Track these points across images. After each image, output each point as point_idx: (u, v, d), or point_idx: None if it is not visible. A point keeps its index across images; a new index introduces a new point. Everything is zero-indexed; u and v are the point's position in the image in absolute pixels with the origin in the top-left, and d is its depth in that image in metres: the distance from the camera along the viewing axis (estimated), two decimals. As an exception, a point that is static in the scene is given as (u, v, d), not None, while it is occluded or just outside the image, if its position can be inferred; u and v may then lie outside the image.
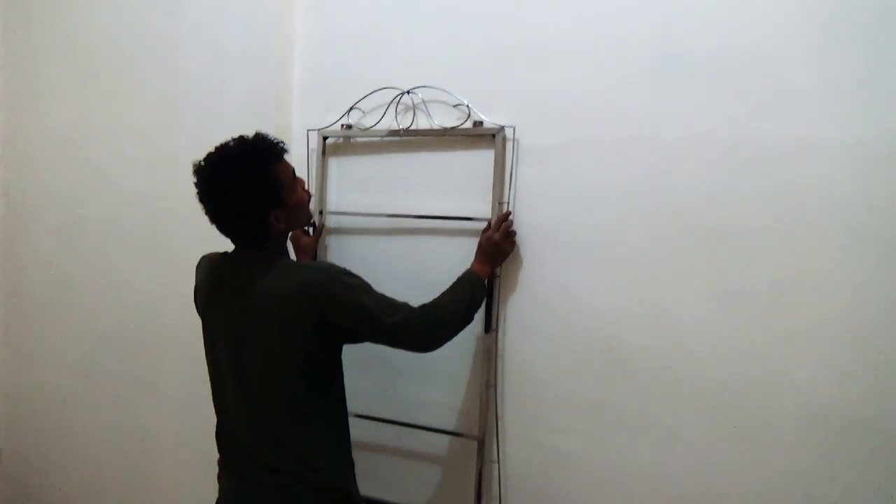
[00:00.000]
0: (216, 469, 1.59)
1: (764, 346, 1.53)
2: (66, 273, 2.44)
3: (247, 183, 1.42)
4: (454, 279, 1.68)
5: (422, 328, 1.52)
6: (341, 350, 1.56)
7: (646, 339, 1.65)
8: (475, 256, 1.73)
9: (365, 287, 1.49)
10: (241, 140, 1.49)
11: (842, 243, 1.46)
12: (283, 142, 1.53)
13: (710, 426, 1.59)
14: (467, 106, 1.82)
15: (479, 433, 1.82)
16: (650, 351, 1.65)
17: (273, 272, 1.46)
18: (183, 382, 2.17)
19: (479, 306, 1.68)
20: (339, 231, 2.04)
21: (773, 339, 1.52)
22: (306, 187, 1.64)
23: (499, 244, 1.72)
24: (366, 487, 1.90)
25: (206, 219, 1.98)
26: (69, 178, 2.41)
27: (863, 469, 1.46)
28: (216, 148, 1.49)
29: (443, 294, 1.61)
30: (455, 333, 1.60)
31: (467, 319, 1.63)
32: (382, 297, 1.50)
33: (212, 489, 1.58)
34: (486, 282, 1.71)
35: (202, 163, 1.48)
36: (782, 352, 1.52)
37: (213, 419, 1.60)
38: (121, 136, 2.29)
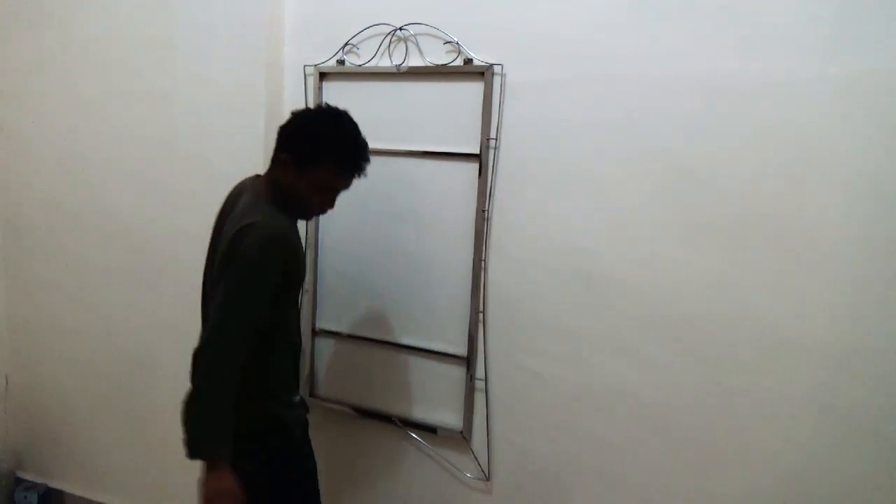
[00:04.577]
0: None
1: (734, 280, 1.65)
2: (63, 207, 2.51)
3: (327, 145, 1.55)
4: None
5: (205, 351, 1.45)
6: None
7: (622, 270, 1.77)
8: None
9: (245, 272, 1.46)
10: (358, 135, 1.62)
11: (817, 181, 1.55)
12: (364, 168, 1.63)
13: (679, 351, 1.73)
14: (458, 44, 1.87)
15: (468, 355, 1.96)
16: (626, 282, 1.77)
17: (242, 208, 1.55)
18: (180, 310, 2.28)
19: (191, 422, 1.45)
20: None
21: (743, 273, 1.64)
22: (334, 202, 1.68)
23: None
24: (374, 401, 2.09)
25: (199, 152, 2.03)
26: (64, 112, 2.44)
27: (824, 390, 1.60)
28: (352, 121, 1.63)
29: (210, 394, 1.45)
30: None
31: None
32: (239, 297, 1.45)
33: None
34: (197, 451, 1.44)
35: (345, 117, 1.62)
36: (752, 286, 1.64)
37: None
38: (114, 70, 2.32)
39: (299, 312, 1.81)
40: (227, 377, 1.43)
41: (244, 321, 1.45)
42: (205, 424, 1.44)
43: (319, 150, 1.54)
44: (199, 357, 1.45)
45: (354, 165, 1.59)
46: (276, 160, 1.59)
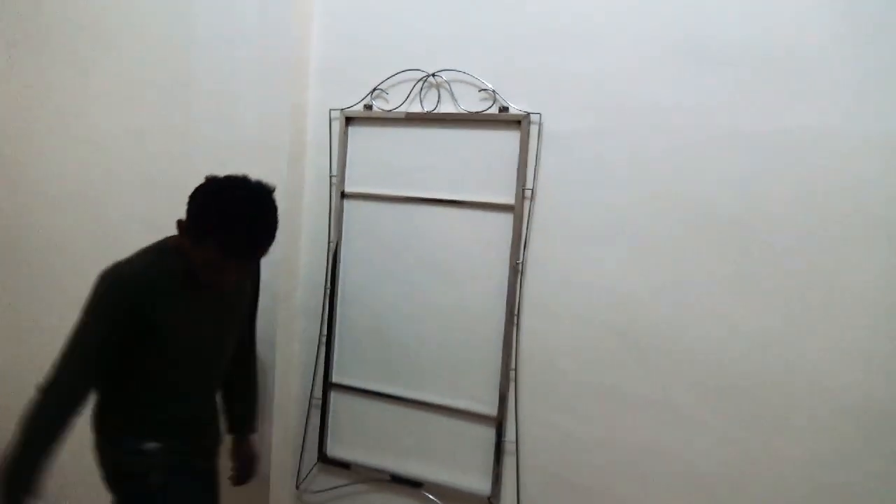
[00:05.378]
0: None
1: (783, 335, 1.59)
2: (65, 250, 2.38)
3: (209, 225, 1.39)
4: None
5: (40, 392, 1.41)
6: (122, 341, 1.46)
7: (665, 325, 1.69)
8: None
9: (84, 312, 1.44)
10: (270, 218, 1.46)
11: (865, 236, 1.51)
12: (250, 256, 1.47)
13: (727, 413, 1.64)
14: (493, 91, 1.82)
15: (498, 415, 1.85)
16: (669, 337, 1.69)
17: None
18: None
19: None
20: (359, 203, 2.03)
21: (791, 328, 1.58)
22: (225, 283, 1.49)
23: None
24: (388, 463, 1.99)
25: None
26: (72, 150, 2.34)
27: (884, 456, 1.52)
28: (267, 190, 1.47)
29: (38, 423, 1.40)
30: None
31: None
32: (75, 345, 1.42)
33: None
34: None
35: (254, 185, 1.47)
36: (801, 341, 1.57)
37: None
38: (128, 107, 2.23)
39: (202, 368, 1.62)
40: (51, 423, 1.39)
41: (78, 364, 1.42)
42: (17, 469, 1.36)
43: (203, 228, 1.39)
44: (37, 395, 1.41)
45: (234, 252, 1.40)
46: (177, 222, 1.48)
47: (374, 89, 1.96)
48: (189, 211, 1.43)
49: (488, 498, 1.87)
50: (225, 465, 1.78)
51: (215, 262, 1.41)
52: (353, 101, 1.99)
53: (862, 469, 1.54)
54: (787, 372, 1.59)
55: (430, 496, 1.95)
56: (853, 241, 1.53)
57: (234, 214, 1.38)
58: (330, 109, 2.02)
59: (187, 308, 1.52)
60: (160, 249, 1.55)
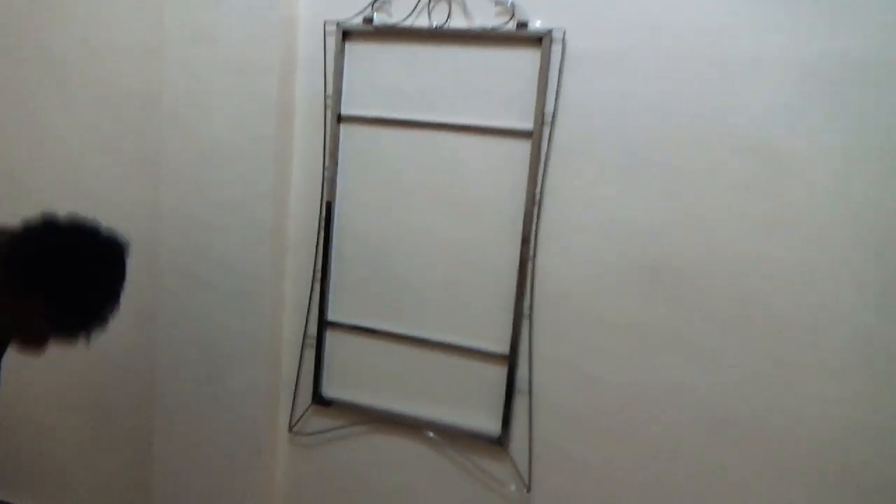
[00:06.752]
0: None
1: (812, 272, 1.52)
2: (20, 182, 2.15)
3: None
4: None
5: None
6: None
7: (691, 260, 1.61)
8: None
9: None
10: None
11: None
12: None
13: (752, 350, 1.59)
14: (511, 4, 1.66)
15: (510, 354, 1.76)
16: (694, 274, 1.61)
17: None
18: (159, 318, 1.99)
19: None
20: (357, 127, 1.86)
21: (822, 265, 1.52)
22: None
23: None
24: (389, 404, 1.91)
25: (194, 119, 1.86)
26: (21, 68, 2.08)
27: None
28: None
29: None
30: None
31: None
32: None
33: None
34: None
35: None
36: (830, 277, 1.51)
37: None
38: (86, 22, 1.98)
39: None
40: None
41: None
42: None
43: (31, 282, 1.15)
44: None
45: (65, 327, 1.21)
46: None
47: (375, 0, 1.77)
48: (14, 251, 1.17)
49: (497, 439, 1.80)
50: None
51: (30, 325, 1.18)
52: (350, 13, 1.79)
53: (883, 407, 1.51)
54: (828, 313, 1.53)
55: (435, 436, 1.87)
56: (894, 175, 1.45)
57: (81, 281, 1.18)
58: (325, 22, 1.82)
59: None
60: None
